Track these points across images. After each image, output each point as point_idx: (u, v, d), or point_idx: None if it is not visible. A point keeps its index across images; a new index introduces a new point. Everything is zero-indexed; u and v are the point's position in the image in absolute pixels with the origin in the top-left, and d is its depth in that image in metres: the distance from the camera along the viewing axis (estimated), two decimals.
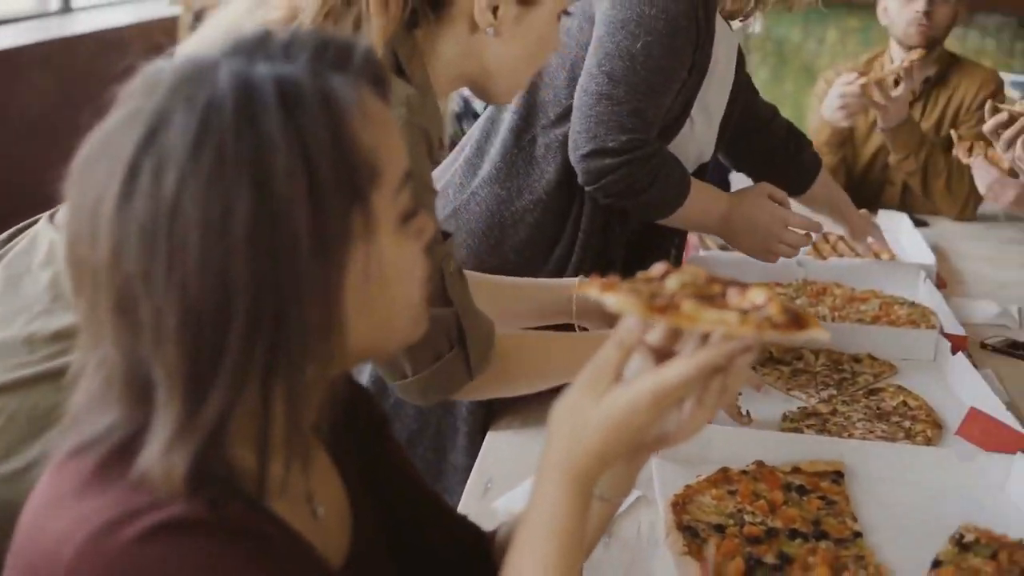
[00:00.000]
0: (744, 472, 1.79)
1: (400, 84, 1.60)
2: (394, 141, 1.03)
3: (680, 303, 1.05)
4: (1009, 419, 1.97)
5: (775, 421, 2.06)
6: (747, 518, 1.66)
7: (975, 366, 2.29)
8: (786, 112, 2.89)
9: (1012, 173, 2.68)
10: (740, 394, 2.01)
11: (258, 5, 1.59)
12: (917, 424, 2.03)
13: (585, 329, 1.95)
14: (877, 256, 3.01)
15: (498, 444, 1.98)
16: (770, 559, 1.56)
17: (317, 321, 0.95)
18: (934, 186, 3.55)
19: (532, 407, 1.98)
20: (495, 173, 2.21)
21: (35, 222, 1.55)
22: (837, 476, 1.80)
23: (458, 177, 2.24)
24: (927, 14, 3.52)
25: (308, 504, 1.11)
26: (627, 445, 1.07)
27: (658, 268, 1.12)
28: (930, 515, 1.73)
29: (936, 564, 1.59)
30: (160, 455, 0.92)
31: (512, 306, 1.96)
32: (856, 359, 2.33)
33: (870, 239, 3.01)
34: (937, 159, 3.49)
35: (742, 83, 2.54)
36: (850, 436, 1.99)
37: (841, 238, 3.10)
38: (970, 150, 2.78)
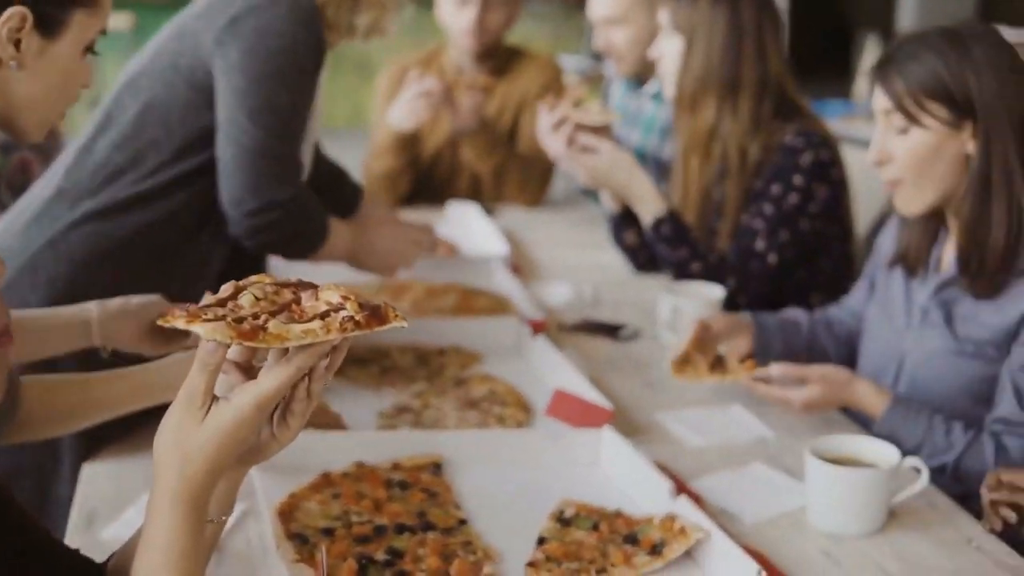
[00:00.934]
0: (345, 474, 1.77)
1: None
2: None
3: (267, 324, 1.08)
4: (594, 395, 2.04)
5: (371, 421, 2.06)
6: (354, 518, 1.66)
7: (556, 347, 2.37)
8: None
9: (598, 131, 2.79)
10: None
11: None
12: (507, 409, 2.08)
13: (116, 352, 1.87)
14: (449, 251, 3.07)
15: (97, 474, 1.89)
16: (381, 556, 1.56)
17: None
18: (508, 180, 3.65)
19: (131, 435, 1.92)
20: (99, 207, 2.10)
21: None
22: (436, 468, 1.83)
23: (48, 207, 2.11)
24: (480, 22, 3.59)
25: None
26: (235, 458, 1.11)
27: (226, 288, 1.15)
28: (530, 495, 1.78)
29: (541, 541, 1.62)
30: None
31: (28, 342, 1.86)
32: (442, 352, 2.36)
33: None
34: (510, 156, 3.58)
35: None
36: (445, 428, 2.00)
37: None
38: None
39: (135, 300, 1.87)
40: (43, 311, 1.91)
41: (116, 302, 1.86)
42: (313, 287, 1.14)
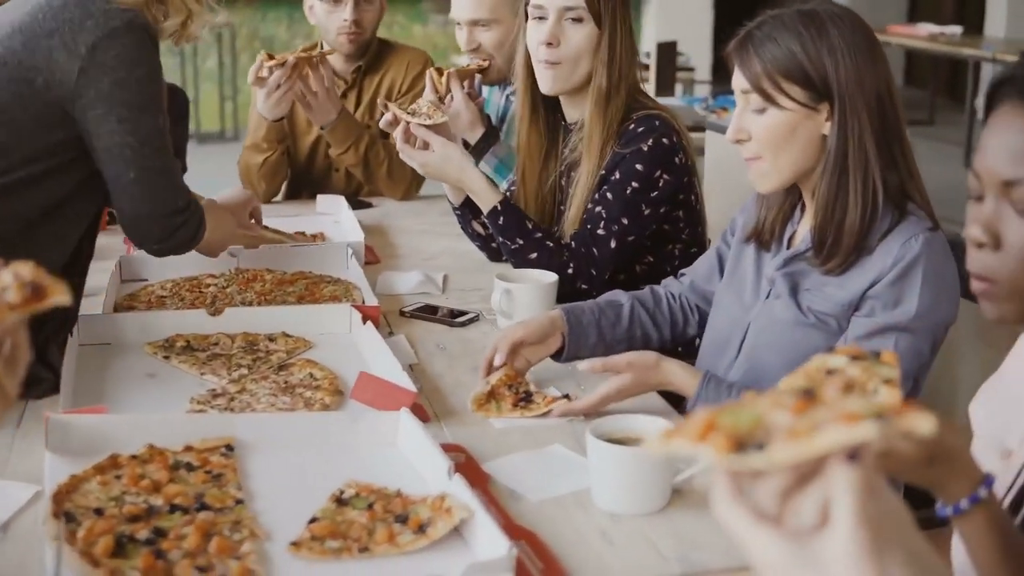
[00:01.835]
0: (134, 456, 1.78)
1: None
2: None
3: None
4: (402, 379, 2.05)
5: (185, 407, 2.07)
6: (128, 499, 1.66)
7: (392, 333, 2.39)
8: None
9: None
10: None
11: None
12: (318, 393, 2.09)
13: None
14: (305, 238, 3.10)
15: None
16: (144, 535, 1.56)
17: None
18: (377, 174, 3.67)
19: None
20: None
21: None
22: (228, 450, 1.83)
23: None
24: (355, 22, 3.61)
25: None
26: None
27: None
28: (318, 477, 1.79)
29: (313, 520, 1.63)
30: None
31: None
32: (271, 338, 2.37)
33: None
34: (377, 148, 3.60)
35: None
36: (253, 411, 2.02)
37: (266, 226, 3.09)
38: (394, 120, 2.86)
39: None
40: None
41: None
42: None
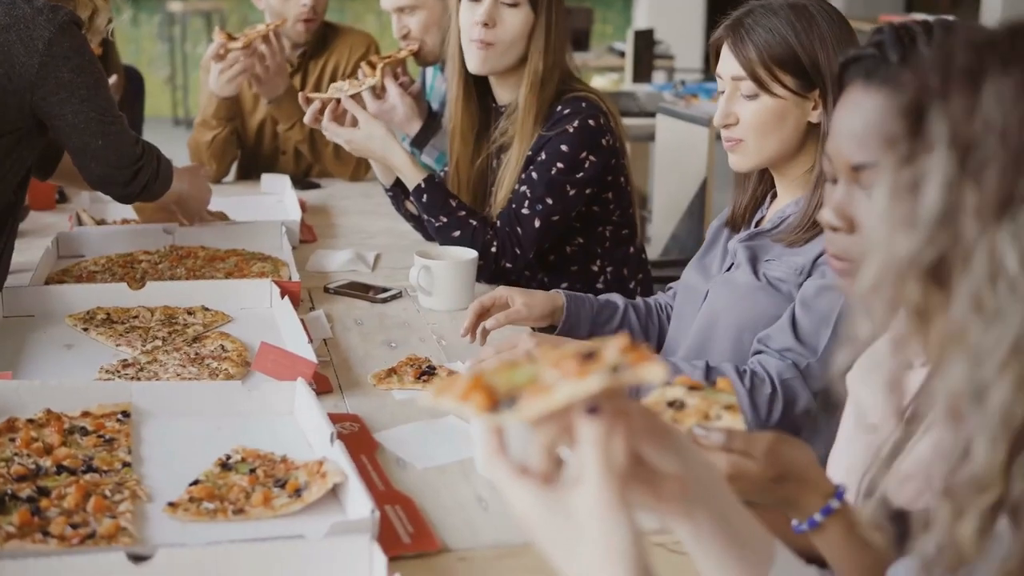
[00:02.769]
0: (31, 420, 1.83)
1: None
2: None
3: None
4: (305, 351, 2.10)
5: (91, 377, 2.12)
6: (18, 460, 1.71)
7: (313, 308, 2.44)
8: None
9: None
10: None
11: None
12: (224, 364, 2.14)
13: None
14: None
15: None
16: (26, 493, 1.61)
17: None
18: (324, 152, 3.72)
19: None
20: None
21: None
22: (124, 416, 1.88)
23: None
24: (313, 8, 3.66)
25: None
26: None
27: None
28: (209, 443, 1.84)
29: (195, 483, 1.68)
30: None
31: None
32: (190, 312, 2.42)
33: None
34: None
35: None
36: (159, 380, 2.07)
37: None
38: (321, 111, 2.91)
39: None
40: None
41: None
42: None
